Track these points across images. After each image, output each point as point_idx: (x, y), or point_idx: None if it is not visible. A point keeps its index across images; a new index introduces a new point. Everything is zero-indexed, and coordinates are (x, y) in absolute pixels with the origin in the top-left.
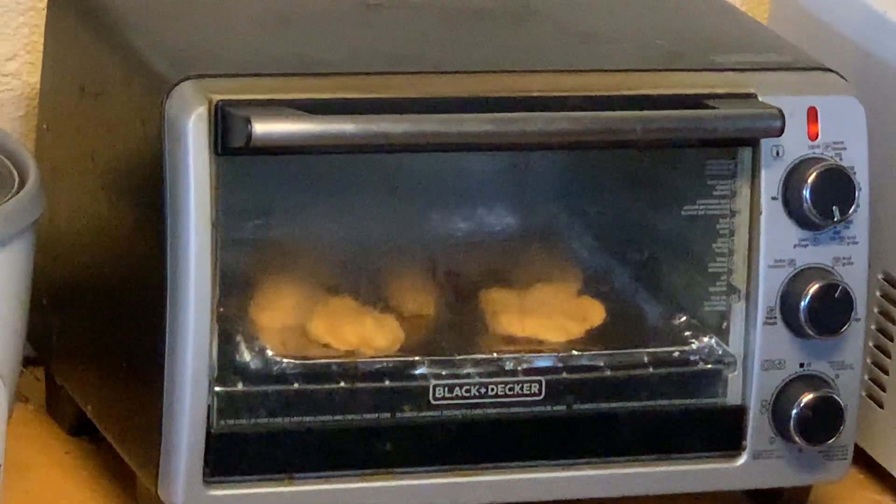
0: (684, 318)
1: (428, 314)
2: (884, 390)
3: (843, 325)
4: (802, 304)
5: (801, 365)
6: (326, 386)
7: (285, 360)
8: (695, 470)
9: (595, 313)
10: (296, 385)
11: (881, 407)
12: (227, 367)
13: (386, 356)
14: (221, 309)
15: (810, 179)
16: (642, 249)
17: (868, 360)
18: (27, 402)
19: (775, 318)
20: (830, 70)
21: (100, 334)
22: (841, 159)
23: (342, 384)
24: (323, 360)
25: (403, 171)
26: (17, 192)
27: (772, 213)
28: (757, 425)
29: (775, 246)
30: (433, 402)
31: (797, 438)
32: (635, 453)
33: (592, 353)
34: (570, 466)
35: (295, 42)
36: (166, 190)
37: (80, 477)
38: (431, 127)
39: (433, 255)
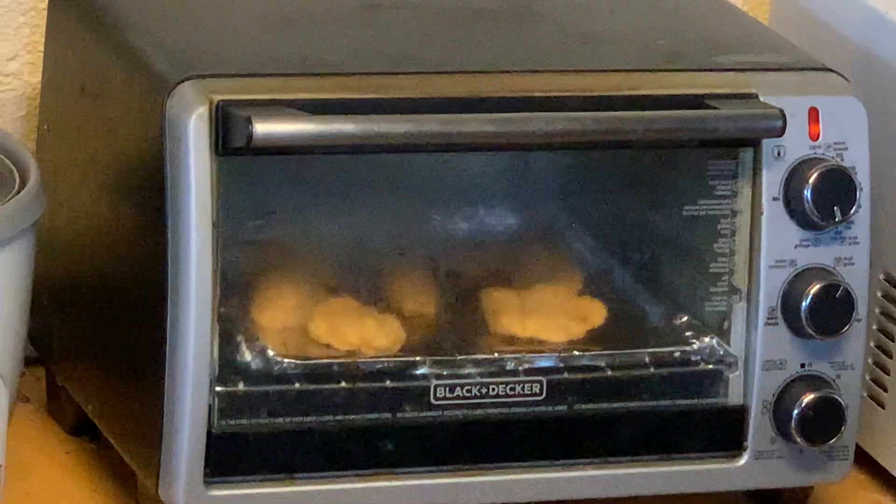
0: (685, 319)
1: (429, 314)
2: (885, 390)
3: (845, 326)
4: (803, 304)
5: (803, 365)
6: (327, 386)
7: (286, 361)
8: (696, 470)
9: (596, 313)
10: (297, 385)
11: (882, 407)
12: (227, 368)
13: (387, 356)
14: (222, 309)
15: (811, 180)
16: (643, 249)
17: (869, 361)
18: (28, 402)
19: (776, 318)
20: (831, 70)
21: (100, 334)
22: (842, 159)
23: (343, 384)
24: (324, 361)
25: (404, 172)
26: (18, 193)
27: (773, 213)
28: (758, 426)
29: (776, 246)
30: (434, 402)
31: (798, 439)
32: (636, 453)
33: (593, 353)
34: (571, 467)
35: (296, 42)
36: (167, 190)
37: (80, 477)
38: (432, 127)
39: (434, 256)
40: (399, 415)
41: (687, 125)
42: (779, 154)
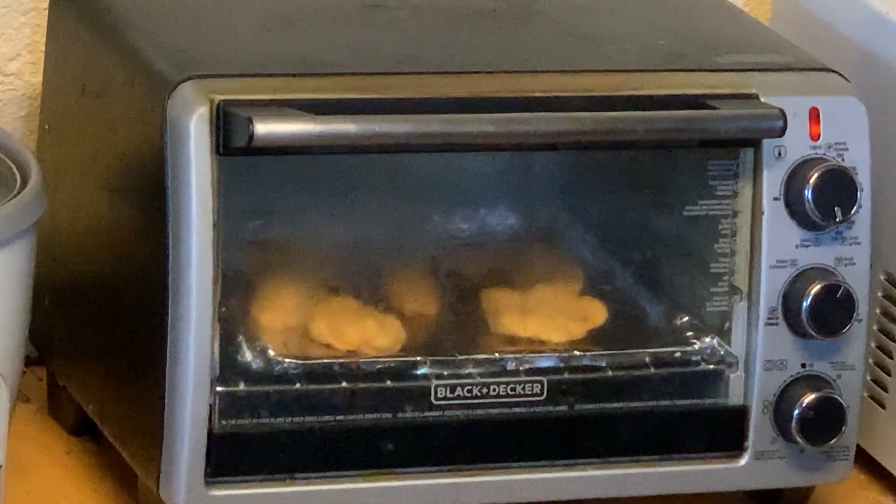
0: (686, 319)
1: (429, 314)
2: (886, 391)
3: (845, 326)
4: (804, 304)
5: (803, 365)
6: (328, 386)
7: (287, 361)
8: (696, 470)
9: (597, 313)
10: (297, 385)
11: (883, 407)
12: (228, 368)
13: (387, 356)
14: (223, 309)
15: (812, 180)
16: (644, 250)
17: (870, 361)
18: (29, 402)
19: (777, 318)
20: (832, 70)
21: (101, 334)
22: (843, 160)
23: (344, 384)
24: (324, 361)
25: (405, 172)
26: (19, 193)
27: (774, 213)
28: (759, 426)
29: (777, 246)
30: (435, 402)
31: (799, 439)
32: (637, 454)
33: (594, 353)
34: (571, 467)
35: (297, 42)
36: (168, 190)
37: (81, 477)
38: (433, 127)
39: (435, 256)
40: (400, 415)
41: (688, 125)
42: (779, 154)
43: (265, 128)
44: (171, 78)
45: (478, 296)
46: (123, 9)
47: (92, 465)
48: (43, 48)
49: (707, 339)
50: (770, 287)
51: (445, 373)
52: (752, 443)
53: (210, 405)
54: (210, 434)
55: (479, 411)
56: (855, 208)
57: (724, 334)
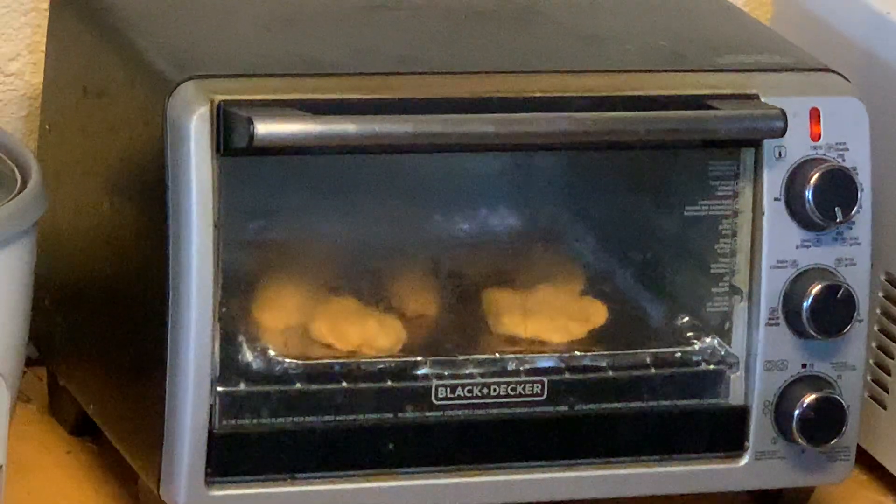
0: (687, 319)
1: (430, 314)
2: (886, 391)
3: (846, 326)
4: (805, 304)
5: (804, 366)
6: (329, 386)
7: (287, 361)
8: (697, 471)
9: (597, 314)
10: (298, 385)
11: (884, 408)
12: (229, 368)
13: (388, 356)
14: (224, 309)
15: (813, 180)
16: (645, 250)
17: (871, 361)
18: (29, 402)
19: (778, 318)
20: (833, 71)
21: (102, 335)
22: (843, 160)
23: (344, 384)
24: (325, 361)
25: (406, 172)
26: (20, 193)
27: (774, 213)
28: (759, 426)
29: (778, 247)
30: (435, 402)
31: (799, 439)
32: (638, 454)
33: (595, 353)
34: (572, 467)
35: (297, 42)
36: (168, 190)
37: (82, 477)
38: (434, 128)
39: (436, 256)
40: (400, 415)
41: (688, 126)
42: (780, 154)
43: (266, 128)
44: (172, 78)
45: (478, 296)
46: (124, 9)
47: (92, 466)
48: (43, 48)
49: (707, 340)
50: (771, 287)
51: (446, 373)
52: (753, 443)
53: (210, 405)
54: (211, 434)
55: (480, 411)
56: (855, 209)
57: (725, 334)
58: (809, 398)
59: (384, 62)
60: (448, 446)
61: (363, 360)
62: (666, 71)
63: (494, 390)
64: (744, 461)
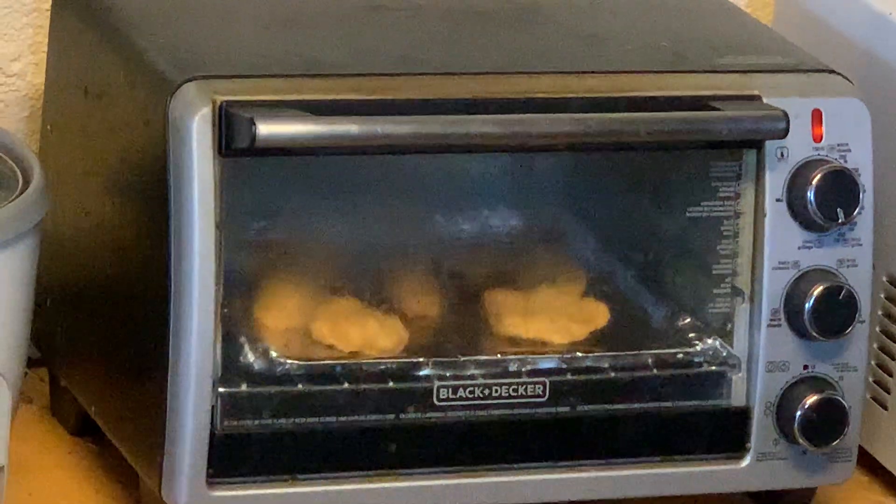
0: (688, 320)
1: (432, 315)
2: (888, 392)
3: (848, 328)
4: (807, 306)
5: (805, 367)
6: (330, 387)
7: (289, 361)
8: (699, 471)
9: (599, 315)
10: (299, 386)
11: (885, 409)
12: (230, 368)
13: (390, 357)
14: (225, 310)
15: (815, 181)
16: (646, 251)
17: (872, 363)
18: (31, 402)
19: (779, 319)
20: (835, 72)
21: (104, 335)
22: (845, 161)
23: (346, 385)
24: (327, 362)
25: (407, 173)
26: (22, 193)
27: (776, 214)
28: (761, 427)
29: (779, 248)
30: (437, 403)
31: (801, 440)
32: (639, 455)
33: (596, 354)
34: (574, 468)
35: (299, 43)
36: (170, 191)
37: (83, 477)
38: (435, 128)
39: (437, 257)
40: (402, 416)
41: (690, 127)
42: (782, 156)
43: (268, 129)
44: (174, 79)
45: (480, 297)
46: (126, 9)
47: (94, 466)
48: (45, 49)
49: (709, 341)
50: (772, 288)
51: (448, 374)
52: (754, 444)
53: (212, 406)
54: (212, 435)
55: (482, 412)
56: (857, 210)
57: (727, 336)
58: (811, 399)
59: (385, 63)
60: (449, 447)
61: (365, 360)
62: (667, 72)
63: (496, 391)
64: (745, 462)
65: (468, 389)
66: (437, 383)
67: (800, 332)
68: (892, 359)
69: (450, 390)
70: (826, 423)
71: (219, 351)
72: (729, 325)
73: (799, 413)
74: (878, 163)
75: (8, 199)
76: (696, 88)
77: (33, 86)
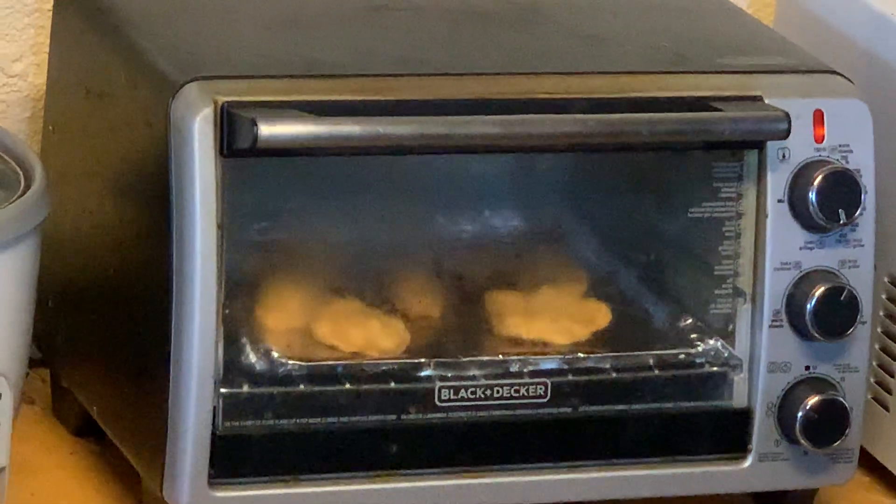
0: (690, 321)
1: (433, 316)
2: (890, 393)
3: (849, 328)
4: (808, 306)
5: (807, 368)
6: (332, 388)
7: (291, 362)
8: (700, 472)
9: (601, 315)
10: (301, 387)
11: (887, 410)
12: (232, 369)
13: (391, 358)
14: (227, 310)
15: (816, 182)
16: (648, 252)
17: (874, 363)
18: (33, 403)
19: (781, 320)
20: (836, 73)
21: (105, 336)
22: (847, 162)
23: (348, 386)
24: (328, 362)
25: (409, 173)
26: (23, 194)
27: (778, 215)
28: (762, 428)
29: (781, 248)
30: (439, 403)
31: (803, 441)
32: (641, 455)
33: (598, 355)
34: (575, 468)
35: (301, 44)
36: (172, 191)
37: (85, 478)
38: (437, 129)
39: (439, 258)
40: (403, 416)
41: (692, 127)
42: (784, 156)
43: (269, 129)
44: (175, 79)
45: (482, 298)
46: (127, 10)
47: (95, 467)
48: (47, 49)
49: (711, 342)
50: (774, 289)
51: (449, 374)
52: (756, 445)
53: (214, 407)
54: (214, 436)
55: (483, 413)
56: (859, 211)
57: (728, 336)
58: (813, 400)
59: (388, 63)
60: (451, 448)
61: (366, 361)
62: (669, 72)
63: (497, 392)
64: (747, 463)
65: (470, 390)
66: (438, 384)
67: (801, 332)
68: (894, 359)
69: (451, 391)
70: (827, 424)
71: (220, 351)
72: (730, 326)
73: (800, 414)
74: (879, 163)
75: (9, 199)
76: (698, 89)
77: (35, 86)
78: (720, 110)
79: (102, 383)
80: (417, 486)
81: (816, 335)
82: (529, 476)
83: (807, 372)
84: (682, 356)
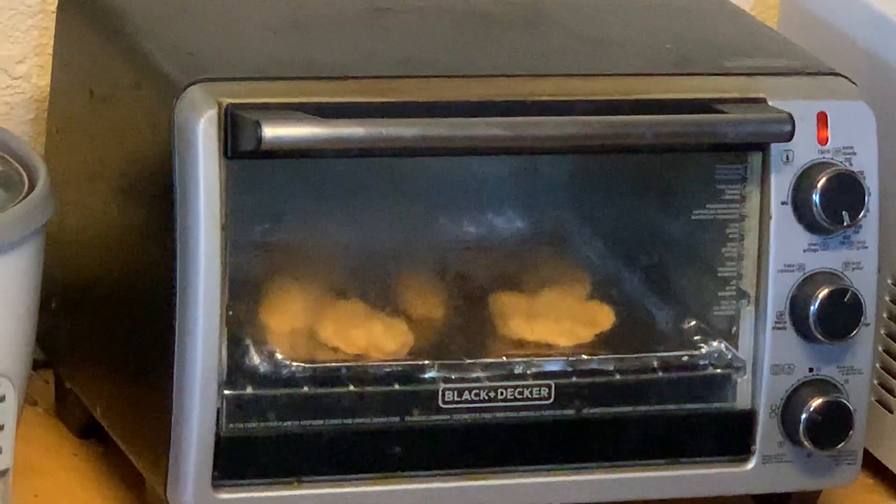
0: (694, 323)
1: (437, 318)
2: (893, 395)
3: (853, 330)
4: (812, 308)
5: (811, 369)
6: (335, 389)
7: (294, 364)
8: (704, 474)
9: (604, 317)
10: (305, 388)
11: (890, 412)
12: (236, 371)
13: (395, 360)
14: (231, 312)
15: (820, 184)
16: (652, 254)
17: (877, 365)
18: (36, 404)
19: (785, 322)
20: (840, 75)
21: (109, 337)
22: (850, 164)
23: (351, 388)
24: (332, 364)
25: (413, 175)
26: (27, 196)
27: (781, 217)
28: (766, 430)
29: (785, 250)
30: (442, 405)
31: (806, 443)
32: (644, 457)
33: (602, 357)
34: (579, 470)
35: (305, 46)
36: (176, 193)
37: (88, 479)
38: (441, 131)
39: (442, 259)
40: (407, 418)
41: (696, 129)
42: (787, 158)
43: (273, 131)
44: (180, 81)
45: (485, 299)
46: (131, 12)
47: (99, 468)
48: (51, 51)
49: (714, 343)
50: (778, 291)
51: (453, 376)
52: (760, 447)
53: (217, 408)
54: (217, 437)
55: (487, 415)
56: (862, 212)
57: (732, 338)
58: (816, 402)
59: (391, 65)
60: (455, 450)
61: (370, 363)
62: (673, 74)
63: (501, 394)
64: (750, 465)
65: (473, 392)
66: (442, 386)
67: (805, 334)
68: None
69: (455, 393)
70: (831, 426)
71: (224, 353)
72: (734, 328)
73: (804, 416)
74: (882, 165)
75: (14, 201)
76: (702, 91)
77: (39, 88)
78: (724, 112)
79: (106, 385)
80: (421, 487)
81: (820, 337)
82: (533, 478)
83: (810, 374)
84: (685, 358)
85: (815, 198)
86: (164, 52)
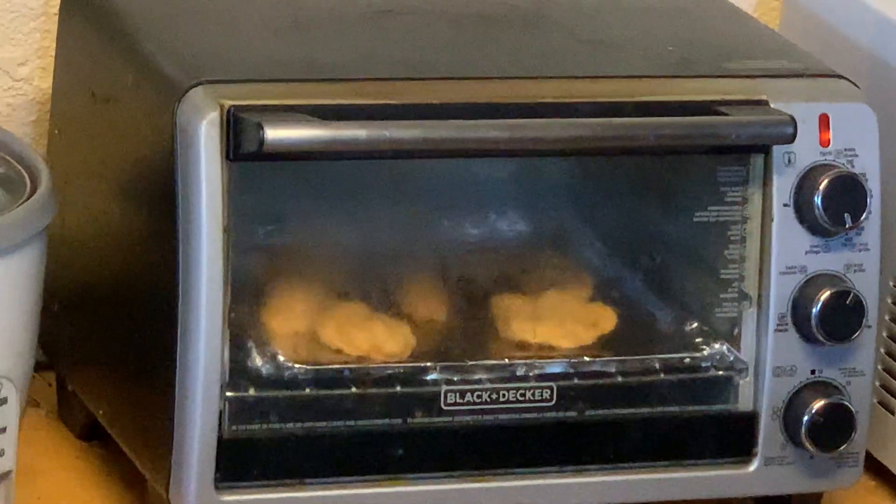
0: (696, 325)
1: (439, 320)
2: (895, 397)
3: (855, 332)
4: (814, 310)
5: (813, 372)
6: (338, 391)
7: (297, 366)
8: (706, 476)
9: (606, 319)
10: (307, 390)
11: (892, 413)
12: (238, 373)
13: (397, 362)
14: (233, 314)
15: (822, 186)
16: (654, 255)
17: (879, 367)
18: (38, 406)
19: (787, 324)
20: (842, 77)
21: (111, 339)
22: (852, 166)
23: (353, 390)
24: (334, 366)
25: (415, 177)
26: (29, 197)
27: (783, 219)
28: (768, 432)
29: (787, 252)
30: (445, 407)
31: (808, 445)
32: (647, 459)
33: (604, 359)
34: (581, 472)
35: (307, 47)
36: (178, 195)
37: (91, 482)
38: (443, 133)
39: (444, 261)
40: (409, 420)
41: (698, 131)
42: (789, 160)
43: (275, 133)
44: (181, 83)
45: (487, 301)
46: (133, 14)
47: (101, 470)
48: (53, 53)
49: (716, 345)
50: (780, 293)
51: (455, 378)
52: (762, 449)
53: (220, 410)
54: (220, 439)
55: (489, 417)
56: (864, 215)
57: (734, 340)
58: (818, 404)
59: (394, 67)
60: (457, 452)
61: (372, 365)
62: (675, 77)
63: (503, 396)
64: (752, 467)
65: (475, 394)
66: (444, 388)
67: (807, 336)
68: None
69: (457, 395)
70: (833, 428)
71: (226, 355)
72: (736, 330)
73: (806, 418)
74: (884, 167)
75: (16, 203)
76: (704, 93)
77: (41, 90)
78: (726, 114)
79: (108, 387)
80: (423, 489)
81: (822, 339)
82: (535, 480)
83: (812, 376)
84: (687, 360)
85: (817, 200)
86: (166, 54)
